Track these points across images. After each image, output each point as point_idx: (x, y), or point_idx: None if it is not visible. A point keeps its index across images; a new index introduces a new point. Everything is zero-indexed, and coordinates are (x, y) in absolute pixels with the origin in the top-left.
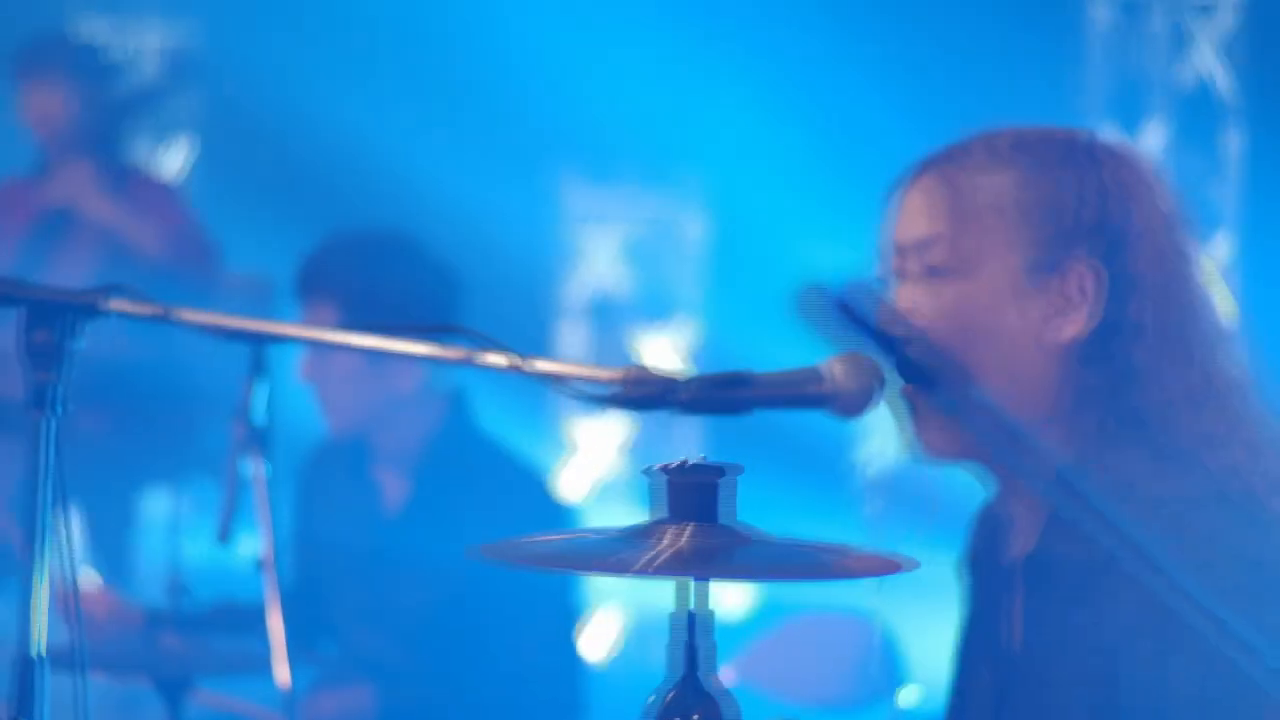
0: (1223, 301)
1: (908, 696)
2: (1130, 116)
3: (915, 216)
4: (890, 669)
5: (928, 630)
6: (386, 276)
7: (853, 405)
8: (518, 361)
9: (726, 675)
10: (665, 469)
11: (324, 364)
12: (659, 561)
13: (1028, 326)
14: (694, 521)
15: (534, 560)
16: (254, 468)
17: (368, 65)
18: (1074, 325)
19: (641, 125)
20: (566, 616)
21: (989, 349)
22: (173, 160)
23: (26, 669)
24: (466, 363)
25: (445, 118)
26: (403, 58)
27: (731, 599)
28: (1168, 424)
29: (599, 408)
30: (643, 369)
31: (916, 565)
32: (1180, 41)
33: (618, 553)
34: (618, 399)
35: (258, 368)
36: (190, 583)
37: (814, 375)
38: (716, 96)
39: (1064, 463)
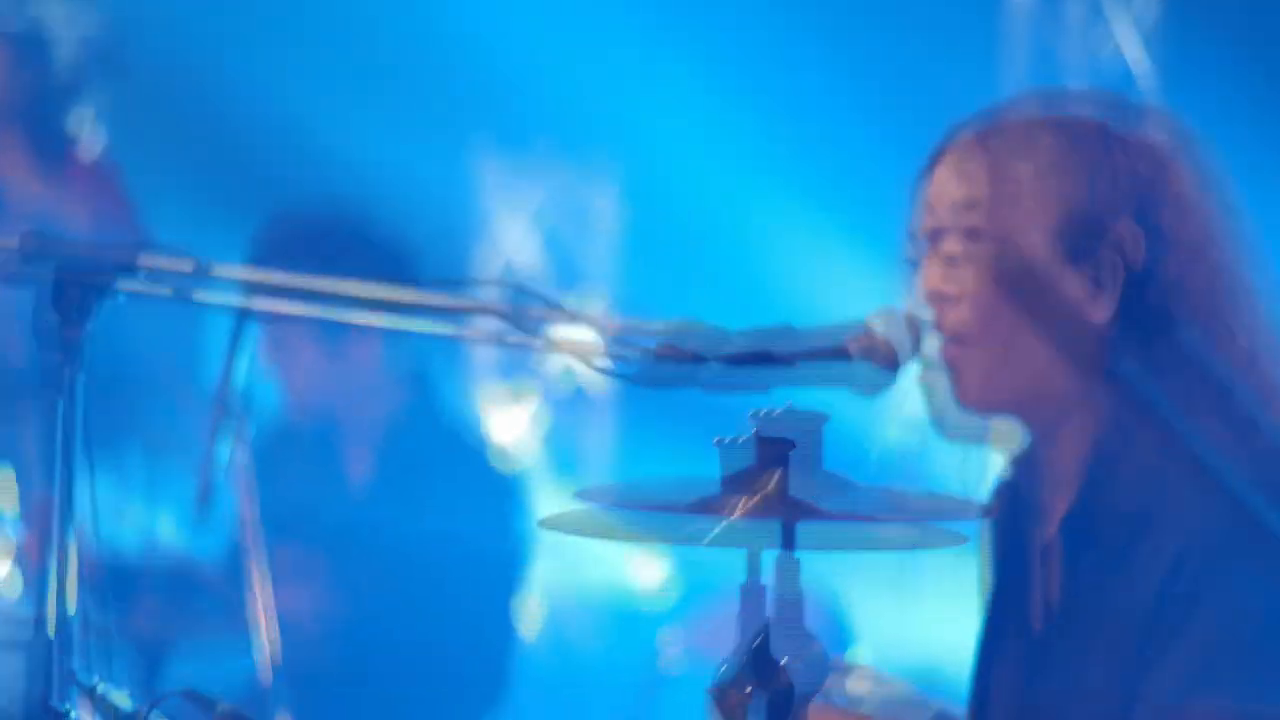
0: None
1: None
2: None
3: (954, 183)
4: (837, 632)
5: (873, 597)
6: (339, 255)
7: (890, 362)
8: (563, 314)
9: (676, 641)
10: (755, 417)
11: (285, 344)
12: (753, 506)
13: (1068, 291)
14: (783, 469)
15: (634, 505)
16: (234, 443)
17: (284, 38)
18: (1101, 311)
19: (555, 95)
20: (511, 593)
21: (1029, 312)
22: (100, 138)
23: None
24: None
25: (361, 87)
26: (319, 29)
27: (651, 573)
28: (1213, 385)
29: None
30: (688, 323)
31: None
32: (1098, 23)
33: (719, 497)
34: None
35: (239, 341)
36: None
37: (854, 331)
38: (630, 67)
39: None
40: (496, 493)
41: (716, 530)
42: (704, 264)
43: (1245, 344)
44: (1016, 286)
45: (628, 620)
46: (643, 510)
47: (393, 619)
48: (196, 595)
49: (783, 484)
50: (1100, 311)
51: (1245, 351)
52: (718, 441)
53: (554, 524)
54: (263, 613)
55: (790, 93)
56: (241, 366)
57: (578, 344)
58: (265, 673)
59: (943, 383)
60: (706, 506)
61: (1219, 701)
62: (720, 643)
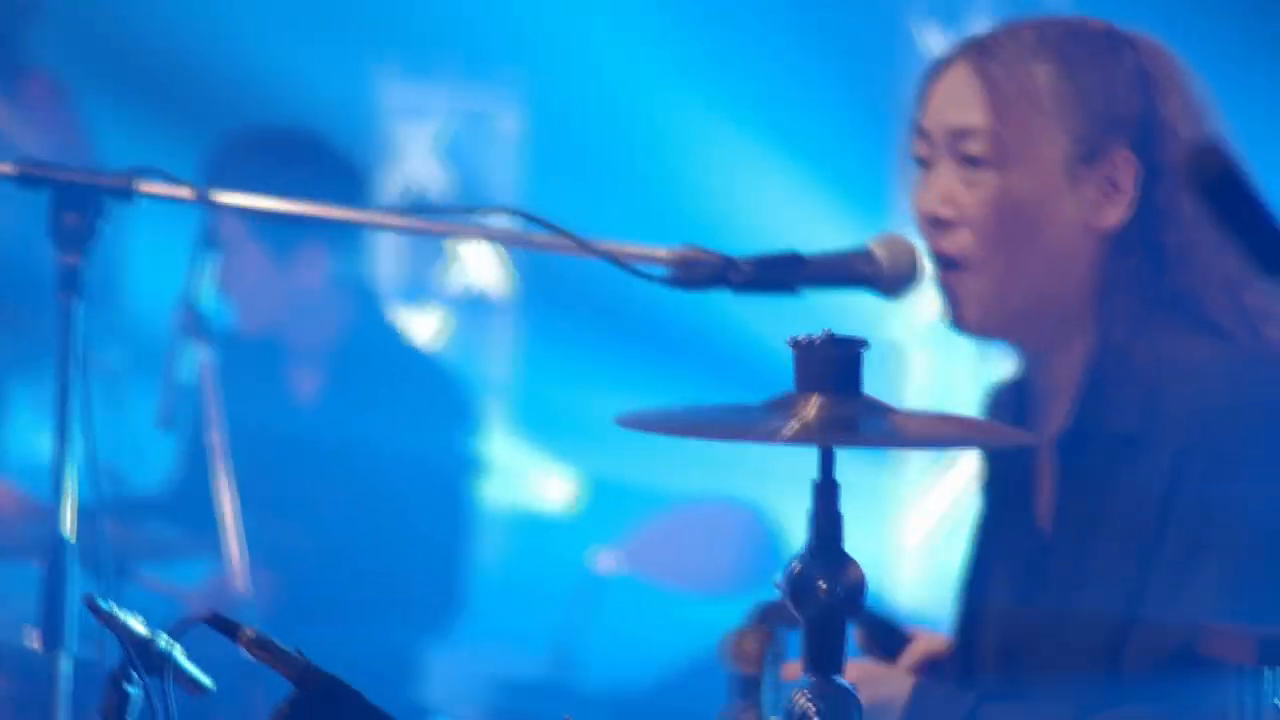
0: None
1: None
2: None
3: (949, 107)
4: (775, 557)
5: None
6: (294, 173)
7: (897, 285)
8: (579, 242)
9: (612, 563)
10: (798, 342)
11: (231, 263)
12: (802, 430)
13: (1068, 216)
14: (830, 391)
15: (681, 429)
16: (200, 352)
17: None
18: (1114, 213)
19: (459, 19)
20: (462, 507)
21: (1030, 238)
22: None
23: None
24: (526, 244)
25: (264, 10)
26: None
27: (557, 490)
28: (1207, 304)
29: (660, 286)
30: (696, 248)
31: (1039, 440)
32: None
33: (762, 422)
34: (674, 279)
35: (203, 249)
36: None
37: (864, 256)
38: None
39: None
40: (446, 408)
41: (790, 427)
42: (616, 183)
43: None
44: (1022, 209)
45: (540, 536)
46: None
47: (341, 535)
48: (157, 515)
49: (827, 405)
50: (1114, 214)
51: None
52: (791, 342)
53: (635, 423)
54: (232, 529)
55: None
56: (203, 287)
57: (611, 250)
58: (239, 586)
59: (939, 306)
60: (782, 405)
61: (1227, 616)
62: (653, 559)
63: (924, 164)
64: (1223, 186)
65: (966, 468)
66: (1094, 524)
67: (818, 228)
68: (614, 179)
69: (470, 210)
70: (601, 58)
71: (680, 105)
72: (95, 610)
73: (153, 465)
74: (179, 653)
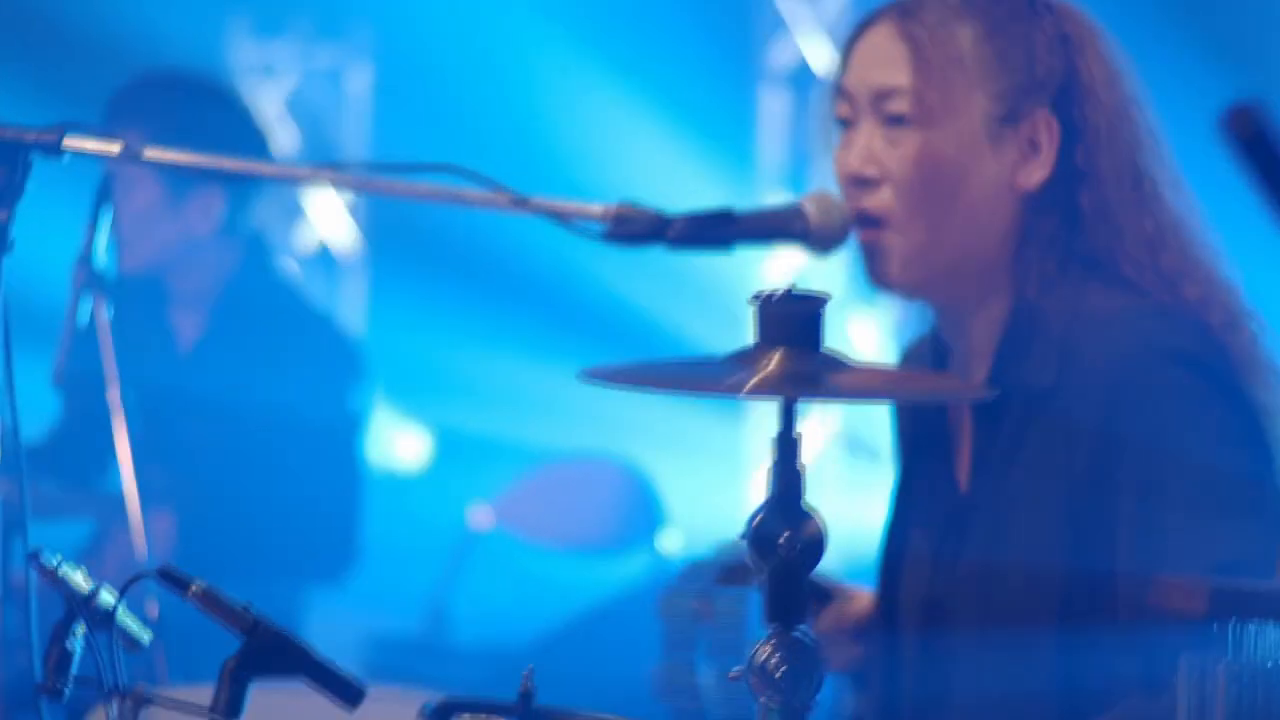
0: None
1: (667, 540)
2: None
3: (873, 67)
4: (648, 513)
5: (686, 476)
6: (198, 115)
7: (827, 241)
8: (516, 200)
9: (486, 518)
10: (761, 298)
11: (123, 202)
12: (764, 383)
13: (989, 176)
14: (791, 346)
15: (645, 382)
16: (96, 308)
17: None
18: (1035, 174)
19: None
20: (357, 460)
21: (951, 196)
22: None
23: None
24: (462, 201)
25: None
26: None
27: (411, 448)
28: (1124, 264)
29: (596, 241)
30: (630, 206)
31: (995, 393)
32: None
33: (725, 375)
34: (609, 234)
35: (103, 202)
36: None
37: (795, 212)
38: None
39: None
40: (334, 360)
41: (752, 385)
42: (464, 142)
43: (1154, 213)
44: (944, 168)
45: (398, 494)
46: (674, 369)
47: (226, 485)
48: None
49: (788, 359)
50: (1034, 174)
51: (1168, 213)
52: (754, 298)
53: (598, 376)
54: (130, 479)
55: None
56: (103, 235)
57: (549, 207)
58: (138, 543)
59: (859, 263)
60: (743, 359)
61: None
62: (526, 515)
63: (846, 124)
64: (1257, 145)
65: (821, 425)
66: (1014, 478)
67: (681, 184)
68: (463, 137)
69: (411, 168)
70: (450, 15)
71: (531, 62)
72: (39, 566)
73: (33, 422)
74: (121, 608)
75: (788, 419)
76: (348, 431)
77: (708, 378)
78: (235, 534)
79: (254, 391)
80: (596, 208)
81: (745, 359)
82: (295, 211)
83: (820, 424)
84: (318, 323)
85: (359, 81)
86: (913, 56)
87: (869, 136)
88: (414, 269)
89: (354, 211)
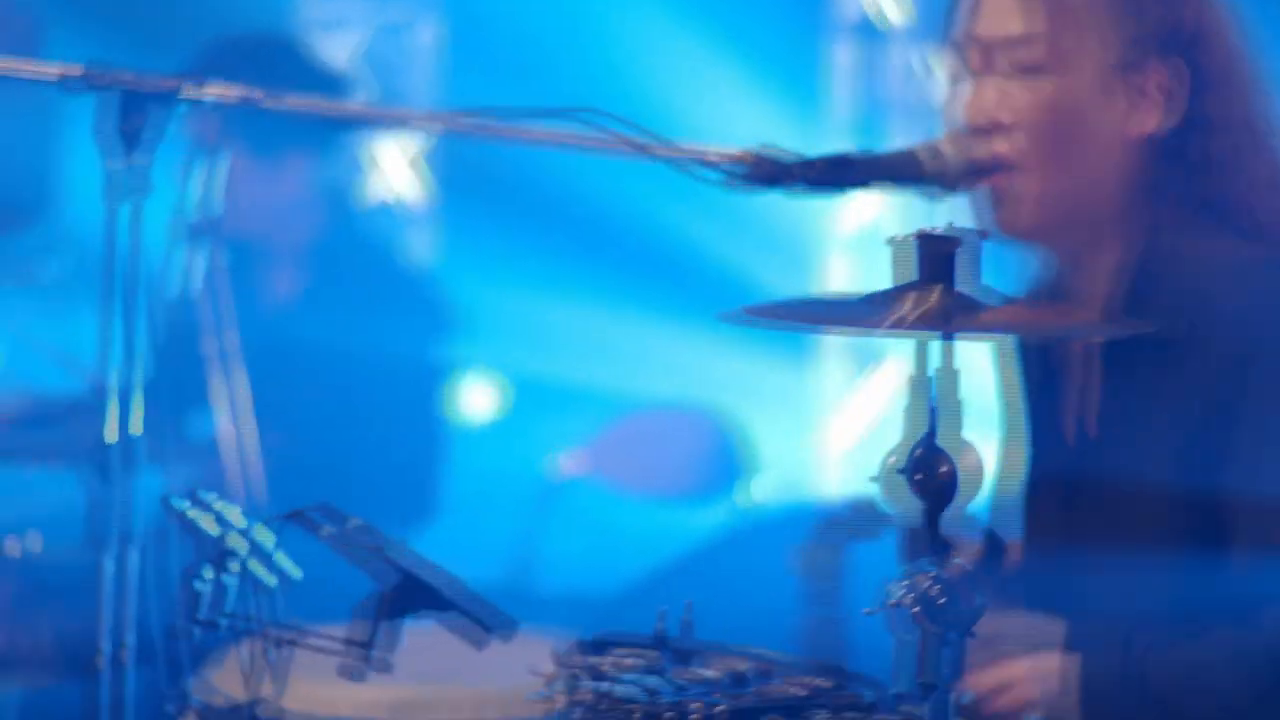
0: None
1: (755, 489)
2: None
3: (1006, 15)
4: (735, 463)
5: (777, 425)
6: (277, 79)
7: (956, 182)
8: (652, 142)
9: (576, 464)
10: (916, 236)
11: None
12: (911, 319)
13: (1115, 122)
14: (941, 284)
15: (810, 321)
16: (210, 256)
17: None
18: (1155, 120)
19: None
20: (439, 412)
21: (1077, 143)
22: None
23: None
24: (602, 146)
25: None
26: None
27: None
28: (1247, 211)
29: (730, 187)
30: (766, 149)
31: (1149, 327)
32: None
33: (872, 314)
34: (746, 177)
35: (201, 152)
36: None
37: (933, 152)
38: None
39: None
40: (422, 312)
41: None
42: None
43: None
44: (1073, 114)
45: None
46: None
47: (320, 438)
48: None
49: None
50: (1159, 120)
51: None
52: (890, 240)
53: (758, 315)
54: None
55: None
56: (200, 193)
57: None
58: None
59: (986, 210)
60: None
61: None
62: (615, 463)
63: (975, 73)
64: None
65: (890, 375)
66: (1143, 423)
67: (753, 125)
68: (531, 89)
69: (547, 113)
70: None
71: (601, 12)
72: (170, 509)
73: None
74: (270, 543)
75: (948, 353)
76: (433, 384)
77: (870, 314)
78: (321, 483)
79: (342, 344)
80: (735, 150)
81: (899, 296)
82: (366, 163)
83: (886, 374)
84: (403, 276)
85: (428, 34)
86: (1043, 4)
87: (1002, 83)
88: (485, 219)
89: (428, 160)
